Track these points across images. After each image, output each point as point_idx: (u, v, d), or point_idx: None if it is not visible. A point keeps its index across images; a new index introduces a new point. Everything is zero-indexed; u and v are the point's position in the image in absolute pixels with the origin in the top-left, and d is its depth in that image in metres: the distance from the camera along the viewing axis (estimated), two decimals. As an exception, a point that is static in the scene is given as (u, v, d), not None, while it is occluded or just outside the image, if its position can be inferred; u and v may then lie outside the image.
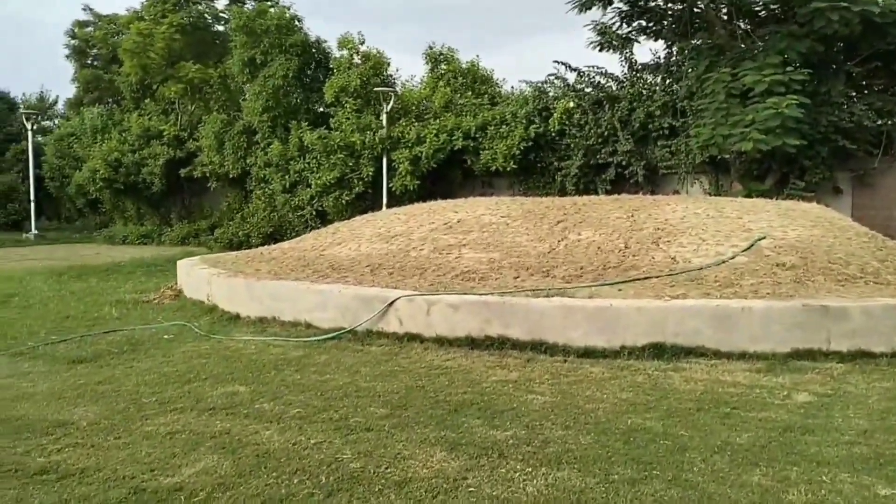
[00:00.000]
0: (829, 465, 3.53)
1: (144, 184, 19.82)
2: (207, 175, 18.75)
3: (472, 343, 5.99)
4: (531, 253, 7.87)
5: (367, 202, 16.17)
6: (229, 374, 5.34)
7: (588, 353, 5.69)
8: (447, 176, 16.35)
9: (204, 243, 17.28)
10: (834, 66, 13.41)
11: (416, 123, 16.27)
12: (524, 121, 15.52)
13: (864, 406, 4.44)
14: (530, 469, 3.49)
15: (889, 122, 13.48)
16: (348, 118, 16.43)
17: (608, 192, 14.21)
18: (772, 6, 13.54)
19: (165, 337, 6.77)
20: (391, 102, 16.52)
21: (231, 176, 18.38)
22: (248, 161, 18.14)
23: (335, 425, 4.13)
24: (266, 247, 10.54)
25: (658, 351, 5.63)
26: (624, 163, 14.71)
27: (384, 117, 16.25)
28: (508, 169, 15.38)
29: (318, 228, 12.59)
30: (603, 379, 5.08)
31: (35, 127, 30.60)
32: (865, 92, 13.85)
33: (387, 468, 3.51)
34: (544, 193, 14.91)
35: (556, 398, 4.63)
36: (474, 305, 6.10)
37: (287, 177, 16.87)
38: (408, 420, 4.21)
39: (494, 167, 15.33)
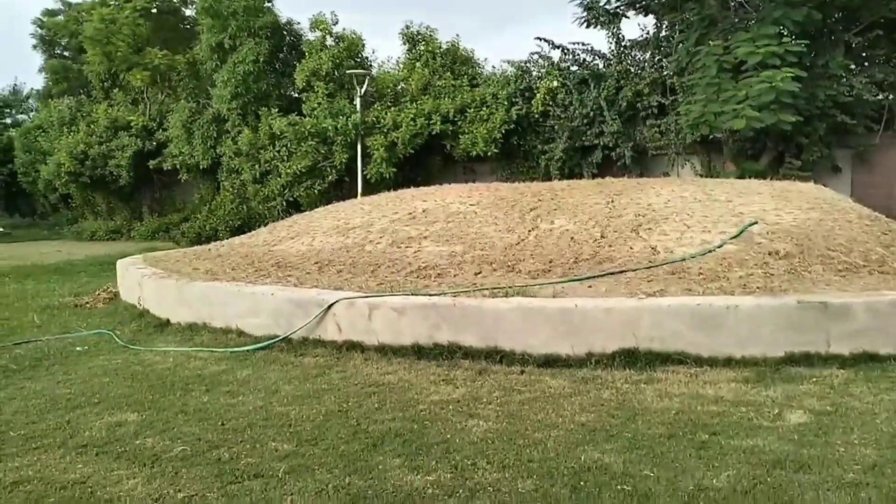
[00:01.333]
0: (829, 520, 2.76)
1: (112, 177, 18.96)
2: (178, 167, 17.90)
3: (419, 352, 5.20)
4: (497, 245, 7.07)
5: (342, 191, 15.35)
6: (126, 398, 4.55)
7: (550, 362, 4.90)
8: (426, 162, 15.52)
9: (174, 238, 16.48)
10: (832, 37, 12.54)
11: (391, 108, 15.41)
12: (506, 102, 14.67)
13: (871, 428, 3.66)
14: (445, 533, 2.72)
15: (890, 96, 12.64)
16: (320, 103, 15.57)
17: (595, 176, 13.37)
18: (766, -27, 12.65)
19: (78, 349, 5.99)
20: (365, 85, 15.65)
21: (202, 167, 17.53)
22: (218, 151, 17.29)
23: (219, 469, 3.34)
24: (216, 243, 9.75)
25: (630, 358, 4.84)
26: (611, 144, 13.87)
27: (358, 101, 15.39)
28: (490, 154, 14.55)
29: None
30: (562, 395, 4.29)
31: (10, 120, 29.79)
32: (866, 64, 12.98)
33: (261, 535, 2.74)
34: (528, 178, 14.11)
35: (501, 424, 3.85)
36: (422, 309, 5.31)
37: (257, 166, 16.03)
38: (312, 461, 3.43)
39: (475, 152, 14.50)
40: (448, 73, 15.84)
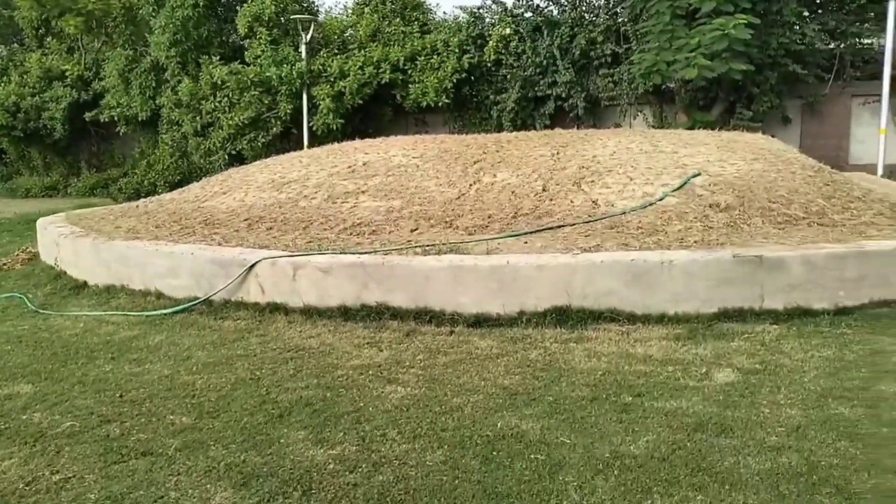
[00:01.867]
0: (746, 488, 2.63)
1: (46, 130, 17.93)
2: (116, 119, 16.99)
3: (345, 314, 4.95)
4: (437, 200, 6.80)
5: (288, 144, 14.78)
6: (25, 367, 4.23)
7: (480, 322, 4.71)
8: (376, 113, 15.00)
9: (112, 195, 15.74)
10: (787, -18, 12.31)
11: (338, 55, 14.78)
12: (457, 50, 14.16)
13: (798, 387, 3.56)
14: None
15: (841, 45, 12.55)
16: (263, 51, 14.84)
17: (547, 128, 13.07)
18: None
19: (-17, 315, 5.60)
20: (311, 32, 14.95)
21: (140, 119, 16.66)
22: (157, 102, 16.44)
23: (105, 447, 3.08)
24: (145, 199, 9.26)
25: (562, 316, 4.67)
26: (564, 95, 13.55)
27: (303, 49, 14.71)
28: (441, 104, 14.11)
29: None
30: (489, 357, 4.11)
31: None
32: (819, 11, 12.82)
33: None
34: (481, 130, 13.76)
35: (420, 389, 3.65)
36: (349, 268, 5.04)
37: (199, 118, 15.29)
38: (209, 435, 3.19)
39: (426, 102, 14.03)
40: (398, 20, 15.21)
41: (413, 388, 3.66)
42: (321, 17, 16.27)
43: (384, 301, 4.91)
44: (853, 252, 4.84)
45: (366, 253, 5.18)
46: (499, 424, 3.20)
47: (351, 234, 6.10)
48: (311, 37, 15.02)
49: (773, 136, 9.50)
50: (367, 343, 4.41)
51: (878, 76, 11.21)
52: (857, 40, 12.64)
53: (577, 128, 11.65)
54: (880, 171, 10.42)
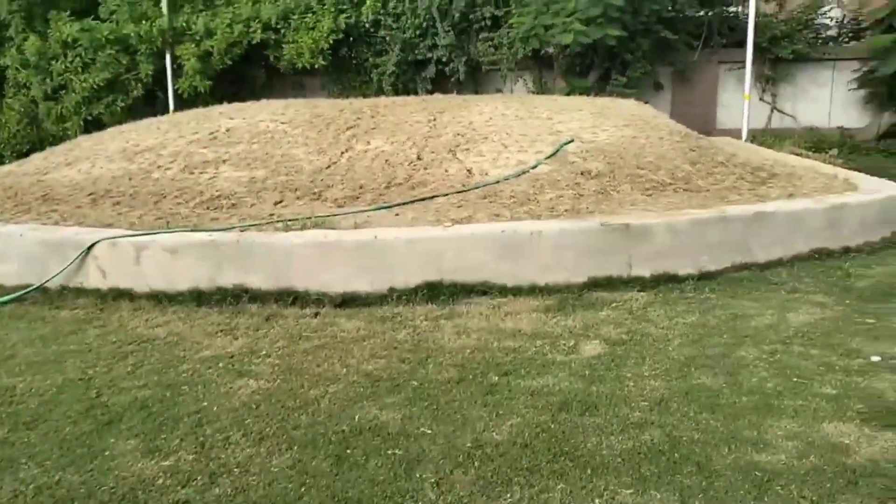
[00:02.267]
0: (607, 472, 2.55)
1: None
2: (-49, 80, 15.07)
3: (198, 298, 4.52)
4: (305, 169, 6.40)
5: (154, 108, 13.63)
6: None
7: (348, 302, 4.44)
8: (249, 76, 14.09)
9: (-50, 165, 14.01)
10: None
11: (204, 12, 13.72)
12: (333, 9, 13.50)
13: (662, 357, 3.56)
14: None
15: (710, 12, 13.00)
16: (119, 5, 13.53)
17: (430, 92, 12.75)
18: None
19: None
20: (174, -14, 13.78)
21: (-19, 80, 14.88)
22: (1, 62, 14.70)
23: None
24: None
25: (433, 292, 4.48)
26: (444, 59, 13.27)
27: (165, 4, 13.53)
28: (318, 66, 13.44)
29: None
30: (354, 340, 3.86)
31: None
32: (688, -21, 13.19)
33: None
34: (361, 94, 13.24)
35: (275, 382, 3.35)
36: (200, 248, 4.59)
37: (49, 80, 13.76)
38: (22, 451, 2.75)
39: (301, 64, 13.32)
40: (269, -26, 14.28)
41: (266, 381, 3.35)
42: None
43: (242, 283, 4.52)
44: (715, 217, 4.96)
45: (220, 230, 4.75)
46: (357, 417, 2.97)
47: (208, 208, 5.61)
48: (174, -9, 13.85)
49: (646, 103, 9.71)
50: (222, 331, 4.03)
51: (742, 43, 11.72)
52: (724, 8, 13.15)
53: (459, 93, 11.48)
54: (744, 135, 10.94)
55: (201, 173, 6.43)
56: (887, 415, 2.88)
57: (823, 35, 12.89)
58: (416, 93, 13.03)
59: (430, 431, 2.85)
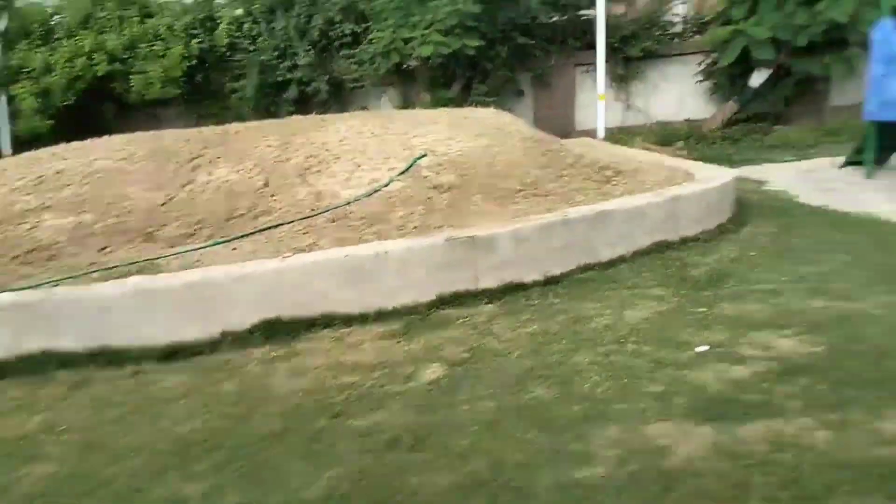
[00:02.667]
0: (421, 517, 2.35)
1: None
2: None
3: (1, 370, 4.00)
4: (140, 208, 5.90)
5: (-10, 154, 12.53)
6: None
7: (174, 354, 4.04)
8: (96, 111, 13.19)
9: None
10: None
11: (42, 48, 12.75)
12: (184, 35, 12.89)
13: (500, 373, 3.43)
14: None
15: (564, 17, 13.36)
16: (-58, 45, 12.37)
17: (293, 114, 12.34)
18: None
19: None
20: (6, 21, 12.73)
21: None
22: None
23: None
24: None
25: (271, 331, 4.18)
26: (306, 79, 12.94)
27: (-5, 42, 12.49)
28: (172, 95, 12.78)
29: None
30: (172, 399, 3.49)
31: None
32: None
33: None
34: (220, 121, 12.66)
35: (69, 463, 2.94)
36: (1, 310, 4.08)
37: None
38: None
39: (152, 95, 12.62)
40: (113, 3, 13.47)
41: (59, 464, 2.93)
42: (18, 4, 13.92)
43: (50, 346, 4.03)
44: (558, 221, 4.93)
45: (26, 288, 4.25)
46: (155, 495, 2.63)
47: (23, 262, 5.05)
48: (6, 27, 12.80)
49: (508, 110, 9.78)
50: (19, 406, 3.55)
51: (594, 45, 12.09)
52: (576, 12, 13.55)
53: (324, 113, 11.17)
54: (601, 134, 11.26)
55: (20, 223, 5.79)
56: (708, 408, 2.85)
57: (670, 32, 13.51)
58: (278, 116, 12.62)
59: (236, 500, 2.55)
